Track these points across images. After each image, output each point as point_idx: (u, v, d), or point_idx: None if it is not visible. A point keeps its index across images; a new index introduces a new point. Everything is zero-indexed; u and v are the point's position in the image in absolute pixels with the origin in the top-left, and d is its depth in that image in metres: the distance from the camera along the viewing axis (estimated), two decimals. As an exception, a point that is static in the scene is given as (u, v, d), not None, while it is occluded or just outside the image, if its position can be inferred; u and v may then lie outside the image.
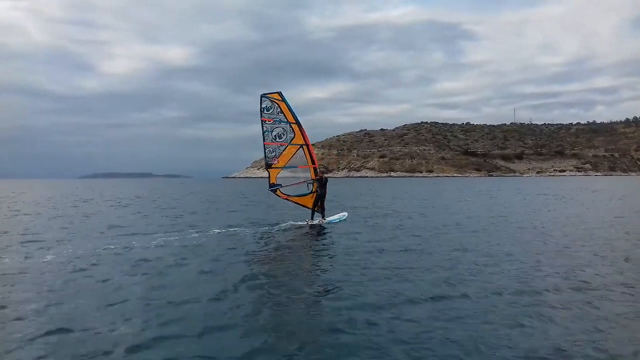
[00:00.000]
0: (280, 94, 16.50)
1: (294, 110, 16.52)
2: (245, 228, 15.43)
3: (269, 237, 13.82)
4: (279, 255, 11.24)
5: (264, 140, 16.28)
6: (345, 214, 18.24)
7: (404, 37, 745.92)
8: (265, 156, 16.50)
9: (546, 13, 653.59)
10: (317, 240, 13.52)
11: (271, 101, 16.33)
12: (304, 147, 16.66)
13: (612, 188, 52.70)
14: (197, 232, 14.49)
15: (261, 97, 16.32)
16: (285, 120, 16.42)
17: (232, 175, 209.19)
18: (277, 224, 16.36)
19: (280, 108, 16.38)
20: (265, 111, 16.26)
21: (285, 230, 15.15)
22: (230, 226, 15.81)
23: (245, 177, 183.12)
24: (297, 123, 16.53)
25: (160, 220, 18.97)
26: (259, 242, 12.82)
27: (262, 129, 16.25)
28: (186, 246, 11.82)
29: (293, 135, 16.54)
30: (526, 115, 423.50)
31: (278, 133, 16.46)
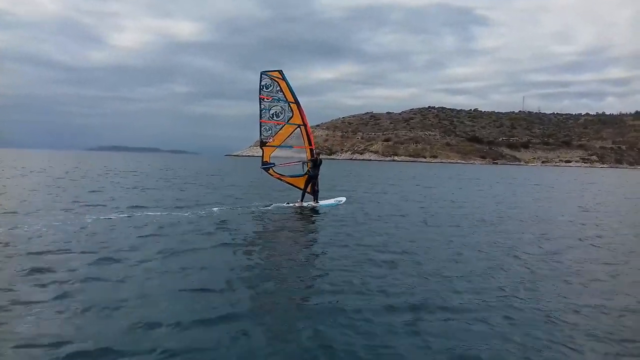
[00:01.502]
0: (280, 72, 16.35)
1: (294, 90, 16.39)
2: (227, 208, 15.03)
3: (254, 218, 13.51)
4: (260, 237, 11.00)
5: (260, 118, 16.22)
6: (344, 198, 17.80)
7: (416, 20, 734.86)
8: (260, 134, 16.39)
9: (562, 1, 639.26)
10: (303, 224, 13.24)
11: (271, 79, 16.21)
12: (302, 127, 16.57)
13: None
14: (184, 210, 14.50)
15: (261, 74, 16.20)
16: (284, 99, 16.32)
17: (236, 153, 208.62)
18: (263, 205, 15.96)
19: (279, 86, 16.26)
20: (264, 89, 16.17)
21: (272, 212, 14.83)
22: (210, 205, 15.46)
23: (249, 156, 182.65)
24: (296, 103, 16.43)
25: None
26: (242, 223, 12.29)
27: (260, 106, 16.18)
28: (175, 224, 11.92)
29: (291, 115, 16.44)
30: (535, 104, 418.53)
31: (276, 111, 16.36)
